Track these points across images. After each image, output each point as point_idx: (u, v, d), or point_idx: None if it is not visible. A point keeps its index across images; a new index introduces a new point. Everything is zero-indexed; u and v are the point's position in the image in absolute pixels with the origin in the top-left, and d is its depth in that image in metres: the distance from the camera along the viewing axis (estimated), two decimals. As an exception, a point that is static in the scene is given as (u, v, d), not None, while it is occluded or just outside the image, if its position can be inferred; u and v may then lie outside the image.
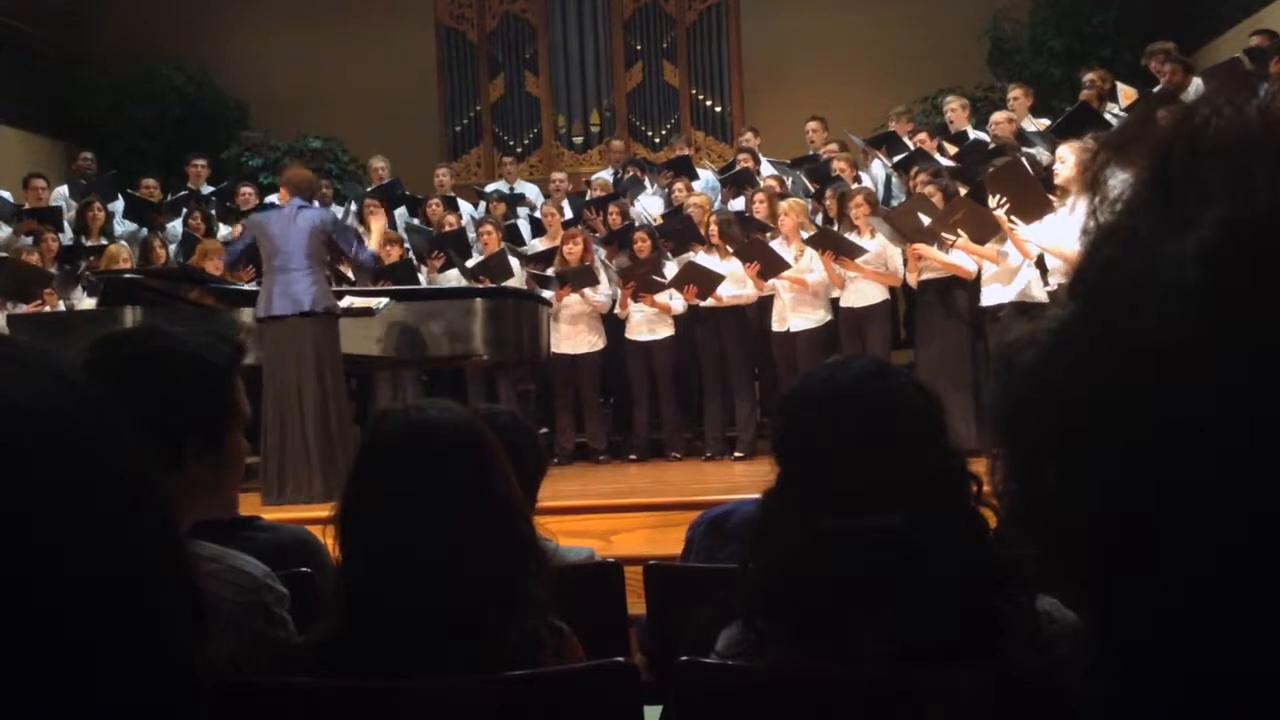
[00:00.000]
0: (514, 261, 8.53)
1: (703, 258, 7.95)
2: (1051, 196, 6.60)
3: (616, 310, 8.20)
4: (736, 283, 7.84)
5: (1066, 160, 6.33)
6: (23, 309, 7.78)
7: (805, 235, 7.67)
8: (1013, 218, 6.61)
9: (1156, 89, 7.96)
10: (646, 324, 8.12)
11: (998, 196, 6.66)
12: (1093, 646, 0.53)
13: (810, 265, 7.61)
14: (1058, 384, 0.51)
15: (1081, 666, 0.54)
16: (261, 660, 1.72)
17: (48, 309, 7.77)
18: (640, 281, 7.95)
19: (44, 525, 0.55)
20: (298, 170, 7.09)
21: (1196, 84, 7.67)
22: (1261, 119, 0.49)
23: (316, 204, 6.54)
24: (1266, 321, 0.45)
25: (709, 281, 7.76)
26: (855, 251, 7.39)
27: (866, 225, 7.51)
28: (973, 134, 8.98)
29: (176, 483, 1.73)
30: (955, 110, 9.33)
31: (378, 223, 7.25)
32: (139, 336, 1.77)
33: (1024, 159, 7.37)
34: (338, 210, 9.29)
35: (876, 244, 7.48)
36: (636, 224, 8.79)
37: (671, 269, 8.05)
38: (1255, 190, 0.47)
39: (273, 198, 9.23)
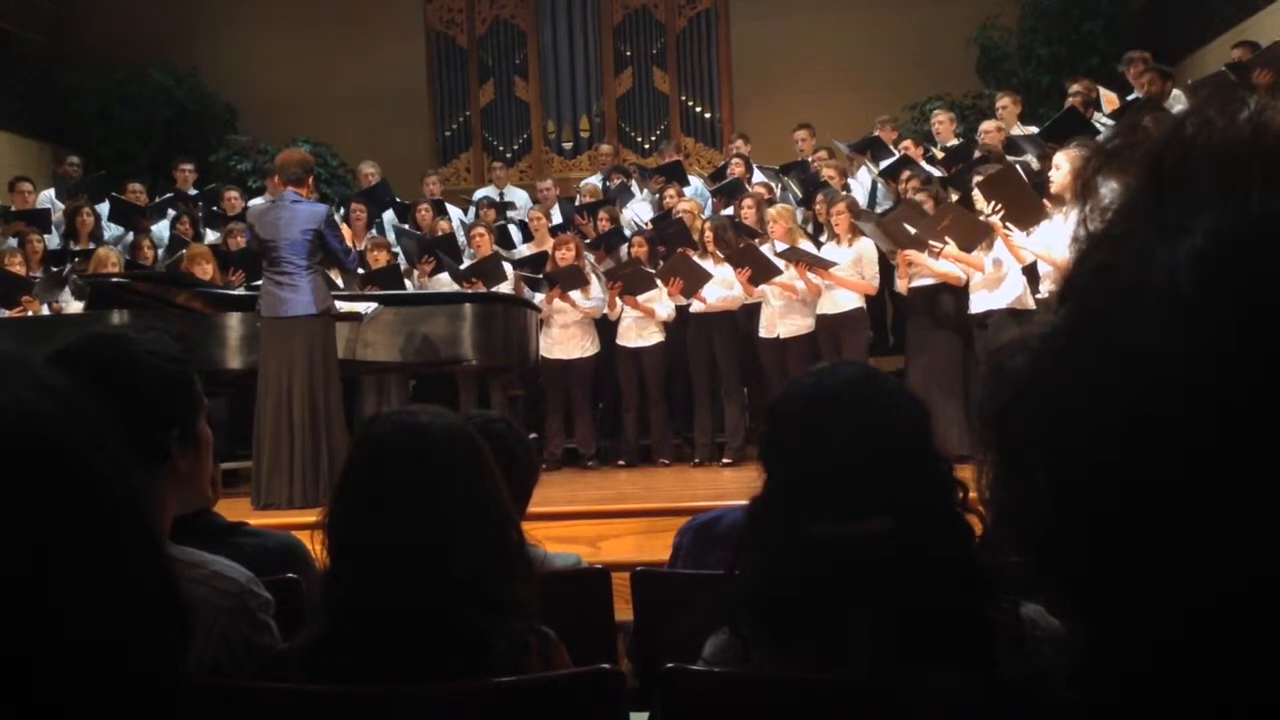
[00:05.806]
0: (506, 265, 8.53)
1: (695, 262, 7.96)
2: (1045, 202, 6.60)
3: (605, 312, 8.21)
4: (724, 286, 7.85)
5: (1062, 168, 6.31)
6: (4, 314, 7.73)
7: (780, 246, 7.67)
8: (1007, 224, 6.61)
9: (1131, 96, 7.99)
10: (636, 329, 8.12)
11: (992, 203, 6.66)
12: (1078, 652, 0.53)
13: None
14: (1048, 389, 0.51)
15: (1067, 672, 0.53)
16: (246, 665, 1.72)
17: (29, 314, 7.72)
18: (627, 281, 7.95)
19: (31, 531, 0.54)
20: (290, 152, 6.97)
21: (1176, 93, 7.70)
22: (1252, 129, 0.50)
23: (306, 194, 6.41)
24: (1258, 328, 0.45)
25: (696, 278, 7.76)
26: (825, 264, 7.42)
27: (847, 233, 7.53)
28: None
29: (164, 477, 1.73)
30: (942, 123, 9.37)
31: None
32: (101, 345, 1.78)
33: (1017, 166, 7.38)
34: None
35: (851, 254, 7.50)
36: (629, 230, 8.78)
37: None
38: (1247, 199, 0.47)
39: (258, 200, 9.20)
